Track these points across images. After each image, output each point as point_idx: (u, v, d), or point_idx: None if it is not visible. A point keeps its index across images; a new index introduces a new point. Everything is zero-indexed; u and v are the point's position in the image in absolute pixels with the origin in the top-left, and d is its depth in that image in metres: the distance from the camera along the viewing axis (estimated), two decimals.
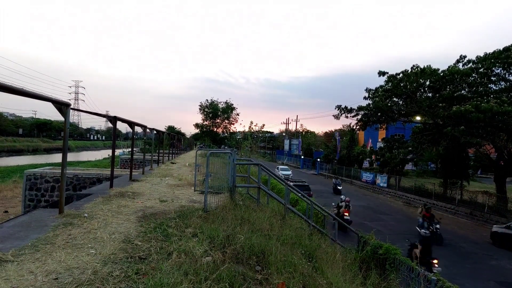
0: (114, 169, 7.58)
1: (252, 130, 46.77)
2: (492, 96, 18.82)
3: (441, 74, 20.01)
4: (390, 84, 22.50)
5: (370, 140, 47.24)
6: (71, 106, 5.09)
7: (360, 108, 24.22)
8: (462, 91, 20.27)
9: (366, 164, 41.08)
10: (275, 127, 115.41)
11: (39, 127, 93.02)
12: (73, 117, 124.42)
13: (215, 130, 46.67)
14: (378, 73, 22.71)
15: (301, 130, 71.39)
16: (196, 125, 47.44)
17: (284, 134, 74.67)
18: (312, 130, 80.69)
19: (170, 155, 22.30)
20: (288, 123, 73.01)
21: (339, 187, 26.02)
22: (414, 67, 21.32)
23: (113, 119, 7.71)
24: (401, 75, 21.93)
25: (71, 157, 55.47)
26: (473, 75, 19.51)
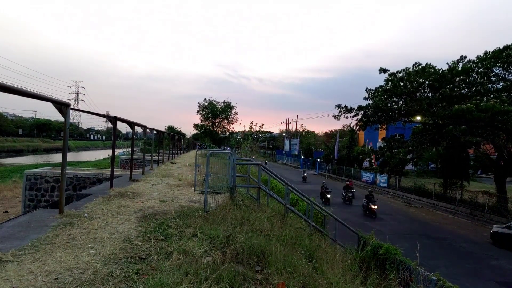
0: (114, 169, 7.58)
1: (252, 130, 46.89)
2: (491, 95, 18.82)
3: (441, 73, 19.99)
4: (390, 84, 22.45)
5: (369, 140, 47.24)
6: (71, 106, 5.09)
7: (360, 108, 24.16)
8: (462, 91, 20.26)
9: (366, 164, 41.06)
10: (275, 127, 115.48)
11: (39, 127, 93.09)
12: (73, 117, 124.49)
13: (214, 130, 46.68)
14: (379, 70, 22.55)
15: (301, 130, 71.46)
16: (196, 126, 47.47)
17: (284, 134, 74.71)
18: (312, 130, 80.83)
19: (170, 155, 22.30)
20: (288, 123, 73.11)
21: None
22: (416, 65, 21.16)
23: (113, 119, 7.70)
24: (402, 73, 21.81)
25: (71, 157, 55.47)
26: (473, 74, 19.50)
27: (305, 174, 35.29)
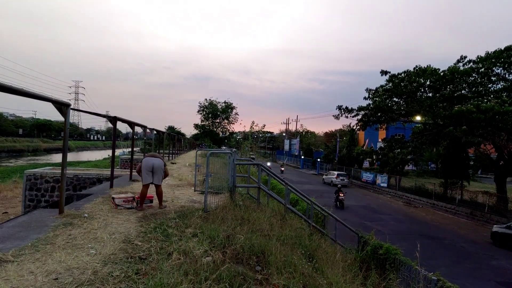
0: (114, 169, 7.57)
1: (253, 130, 46.99)
2: (492, 95, 18.82)
3: (442, 74, 20.01)
4: (390, 84, 22.47)
5: (369, 140, 47.24)
6: (71, 106, 5.09)
7: (360, 108, 24.18)
8: (462, 91, 20.27)
9: (366, 164, 41.04)
10: (275, 127, 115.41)
11: (39, 127, 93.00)
12: (73, 117, 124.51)
13: (215, 130, 46.74)
14: (380, 72, 22.64)
15: (301, 130, 71.42)
16: (196, 126, 47.49)
17: (284, 134, 74.66)
18: (312, 130, 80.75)
19: (170, 155, 22.30)
20: (288, 123, 73.06)
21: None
22: (416, 68, 21.29)
23: (113, 119, 7.70)
24: (402, 74, 21.90)
25: (71, 157, 55.46)
26: (473, 75, 19.51)
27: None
